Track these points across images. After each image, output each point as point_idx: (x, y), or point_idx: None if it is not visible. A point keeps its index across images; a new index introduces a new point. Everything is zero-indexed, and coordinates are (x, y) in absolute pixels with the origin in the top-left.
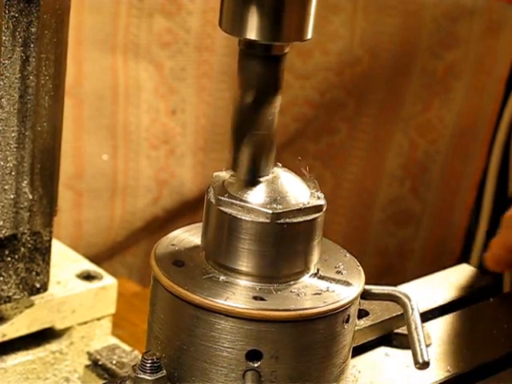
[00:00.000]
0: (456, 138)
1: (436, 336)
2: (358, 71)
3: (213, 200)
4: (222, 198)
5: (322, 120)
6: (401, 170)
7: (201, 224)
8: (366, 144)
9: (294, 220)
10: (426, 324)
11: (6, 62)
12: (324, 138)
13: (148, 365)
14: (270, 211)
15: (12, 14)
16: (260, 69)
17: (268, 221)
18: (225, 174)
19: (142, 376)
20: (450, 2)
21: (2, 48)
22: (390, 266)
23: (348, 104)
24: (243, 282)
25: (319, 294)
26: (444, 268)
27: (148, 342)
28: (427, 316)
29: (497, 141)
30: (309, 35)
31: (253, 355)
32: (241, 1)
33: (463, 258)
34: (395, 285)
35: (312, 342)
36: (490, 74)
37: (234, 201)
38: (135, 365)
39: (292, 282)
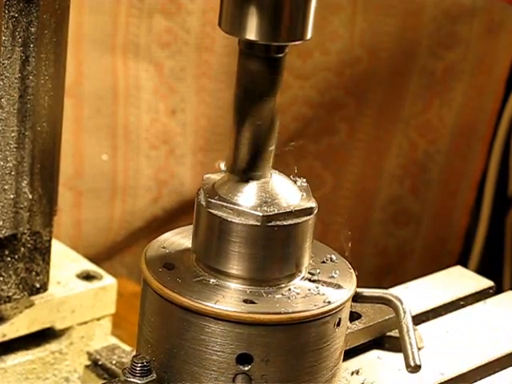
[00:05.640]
0: (456, 137)
1: (430, 339)
2: (358, 71)
3: (203, 202)
4: (212, 201)
5: (322, 120)
6: (401, 169)
7: (191, 226)
8: (366, 144)
9: (285, 223)
10: (419, 326)
11: (6, 62)
12: (324, 138)
13: (138, 368)
14: (261, 214)
15: (12, 14)
16: (260, 69)
17: (258, 223)
18: (216, 176)
19: (131, 379)
20: (450, 1)
21: (2, 48)
22: (389, 265)
23: (348, 104)
24: (233, 285)
25: (310, 296)
26: (443, 268)
27: (138, 345)
28: (421, 318)
29: (497, 141)
30: (308, 35)
31: (243, 359)
32: (240, 1)
33: (463, 258)
34: (395, 285)
35: (303, 345)
36: (490, 74)
37: (224, 203)
38: (125, 368)
39: (283, 285)
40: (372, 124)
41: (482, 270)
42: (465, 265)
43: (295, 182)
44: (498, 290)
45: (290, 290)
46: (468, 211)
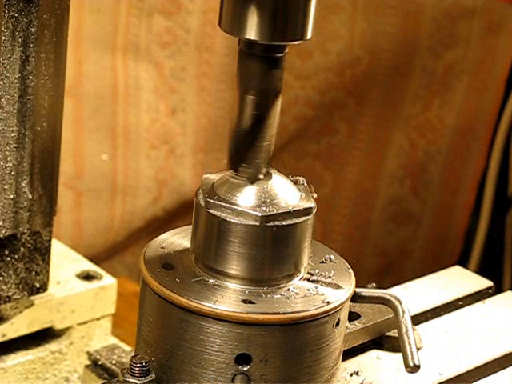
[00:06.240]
0: (456, 137)
1: (429, 339)
2: (358, 71)
3: (202, 202)
4: (211, 201)
5: (322, 120)
6: (401, 169)
7: (190, 226)
8: (366, 144)
9: (284, 223)
10: (418, 326)
11: (6, 61)
12: (324, 138)
13: (137, 368)
14: (260, 214)
15: (12, 13)
16: (260, 69)
17: (257, 223)
18: (215, 176)
19: (130, 380)
20: (450, 1)
21: (2, 48)
22: (390, 265)
23: (348, 104)
24: (232, 285)
25: (309, 297)
26: (443, 268)
27: (137, 345)
28: (420, 318)
29: (497, 141)
30: (309, 35)
31: (242, 359)
32: (240, 1)
33: (463, 258)
34: (395, 285)
35: (302, 345)
36: (489, 74)
37: (223, 203)
38: (124, 368)
39: (282, 285)
40: (372, 124)
41: (481, 270)
42: (465, 265)
43: (295, 182)
44: (497, 290)
45: (288, 290)
46: (468, 211)
